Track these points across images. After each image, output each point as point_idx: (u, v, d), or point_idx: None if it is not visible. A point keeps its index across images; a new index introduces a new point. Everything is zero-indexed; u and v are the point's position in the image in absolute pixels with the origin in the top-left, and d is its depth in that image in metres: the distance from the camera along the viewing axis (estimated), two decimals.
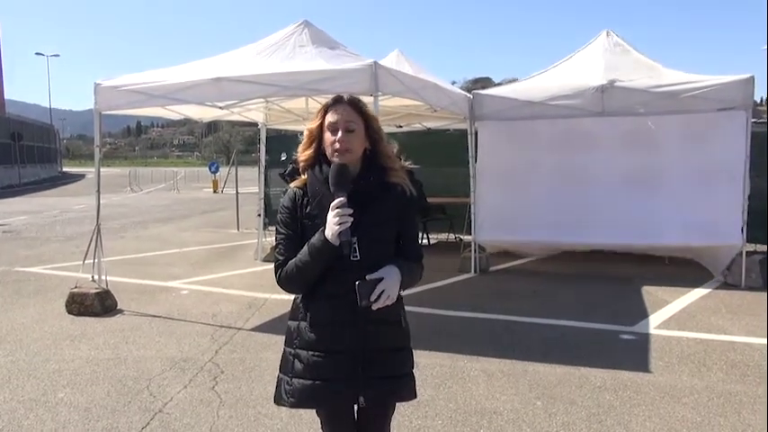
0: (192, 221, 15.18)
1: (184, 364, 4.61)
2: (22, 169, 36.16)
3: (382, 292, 1.89)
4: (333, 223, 1.88)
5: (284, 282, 2.02)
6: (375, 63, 5.31)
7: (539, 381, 4.20)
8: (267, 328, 5.57)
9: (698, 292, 6.74)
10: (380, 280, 1.90)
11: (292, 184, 2.07)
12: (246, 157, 34.77)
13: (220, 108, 7.54)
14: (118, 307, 6.24)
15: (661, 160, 7.43)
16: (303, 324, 2.02)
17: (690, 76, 7.51)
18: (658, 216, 7.29)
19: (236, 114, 8.38)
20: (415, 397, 2.14)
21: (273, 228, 8.69)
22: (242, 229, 12.81)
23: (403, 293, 2.07)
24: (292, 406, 2.04)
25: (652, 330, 5.39)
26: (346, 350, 1.98)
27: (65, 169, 56.10)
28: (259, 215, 9.66)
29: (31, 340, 5.26)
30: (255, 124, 9.54)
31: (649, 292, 6.73)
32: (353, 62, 5.65)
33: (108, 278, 6.42)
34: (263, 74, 5.60)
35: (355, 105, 2.00)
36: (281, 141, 12.64)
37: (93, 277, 6.35)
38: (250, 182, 17.73)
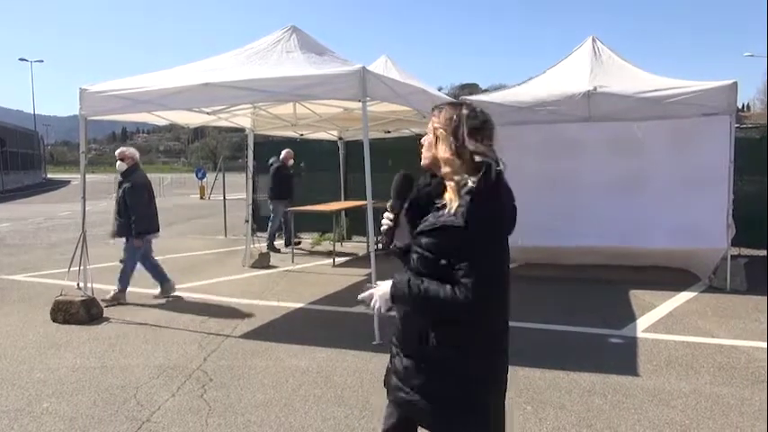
0: (178, 228, 15.06)
1: (172, 371, 4.56)
2: (5, 176, 35.73)
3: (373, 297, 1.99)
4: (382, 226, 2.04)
5: None
6: (363, 68, 5.30)
7: (528, 385, 4.20)
8: (256, 334, 5.54)
9: (684, 296, 6.80)
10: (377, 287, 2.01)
11: None
12: (234, 164, 34.66)
13: (207, 114, 7.52)
14: (104, 315, 6.18)
15: (647, 165, 7.50)
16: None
17: (674, 81, 7.61)
18: (645, 220, 7.36)
19: (223, 120, 8.35)
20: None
21: (261, 234, 8.58)
22: (230, 235, 12.73)
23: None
24: (386, 391, 2.14)
25: (640, 334, 5.43)
26: (398, 347, 2.05)
27: (49, 176, 55.54)
28: (247, 221, 9.61)
29: (16, 349, 5.18)
30: (243, 130, 9.50)
31: (637, 296, 6.77)
32: (342, 67, 5.64)
33: (94, 285, 6.34)
34: (251, 79, 5.58)
35: (435, 110, 2.00)
36: (269, 147, 12.60)
37: (78, 285, 6.27)
38: (238, 188, 17.63)
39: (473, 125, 1.90)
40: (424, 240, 1.90)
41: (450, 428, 1.93)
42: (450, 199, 1.86)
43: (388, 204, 2.03)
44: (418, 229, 1.93)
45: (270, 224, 10.53)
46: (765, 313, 5.94)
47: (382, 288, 1.97)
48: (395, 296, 1.93)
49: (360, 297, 2.02)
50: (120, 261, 6.87)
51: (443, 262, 1.84)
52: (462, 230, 1.79)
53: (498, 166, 1.84)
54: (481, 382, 1.94)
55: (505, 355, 2.04)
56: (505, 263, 1.92)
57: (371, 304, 1.99)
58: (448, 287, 1.81)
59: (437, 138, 1.94)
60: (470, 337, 1.90)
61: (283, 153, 10.59)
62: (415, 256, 1.93)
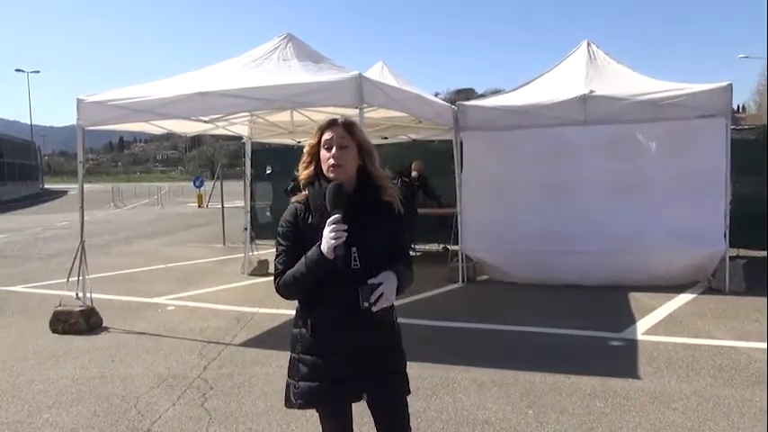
0: (177, 237, 15.06)
1: (172, 380, 4.55)
2: (2, 187, 35.71)
3: (381, 294, 2.04)
4: (329, 238, 2.03)
5: (282, 290, 2.18)
6: (360, 75, 5.33)
7: (529, 389, 4.20)
8: (256, 342, 5.53)
9: (684, 298, 6.80)
10: (380, 284, 2.06)
11: (293, 199, 2.23)
12: (231, 171, 34.69)
13: (205, 122, 7.52)
14: (103, 324, 6.16)
15: (644, 168, 7.50)
16: (304, 330, 2.19)
17: (669, 84, 7.63)
18: (642, 223, 7.35)
19: (220, 128, 8.36)
20: (409, 392, 2.31)
21: (260, 242, 8.58)
22: (228, 243, 12.73)
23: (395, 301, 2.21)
24: (300, 407, 2.21)
25: (640, 336, 5.43)
26: (346, 352, 2.13)
27: (46, 186, 55.51)
28: (245, 229, 9.61)
29: (15, 360, 5.16)
30: (240, 138, 9.52)
31: (636, 299, 6.78)
32: (338, 74, 5.66)
33: (93, 295, 6.33)
34: (248, 87, 5.60)
35: (348, 127, 2.17)
36: (266, 155, 12.62)
37: (77, 295, 6.26)
38: (235, 196, 17.64)
39: None
40: (375, 234, 2.14)
41: (406, 389, 2.28)
42: (392, 197, 2.22)
43: (334, 217, 2.04)
44: (372, 227, 2.14)
45: None
46: (764, 314, 5.95)
47: (389, 284, 2.08)
48: (400, 287, 2.14)
49: (372, 300, 2.06)
50: None
51: (392, 247, 2.21)
52: (404, 218, 2.25)
53: None
54: None
55: None
56: None
57: (381, 302, 2.05)
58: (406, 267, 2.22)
59: (367, 151, 2.18)
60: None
61: (414, 163, 10.55)
62: (366, 252, 2.11)
